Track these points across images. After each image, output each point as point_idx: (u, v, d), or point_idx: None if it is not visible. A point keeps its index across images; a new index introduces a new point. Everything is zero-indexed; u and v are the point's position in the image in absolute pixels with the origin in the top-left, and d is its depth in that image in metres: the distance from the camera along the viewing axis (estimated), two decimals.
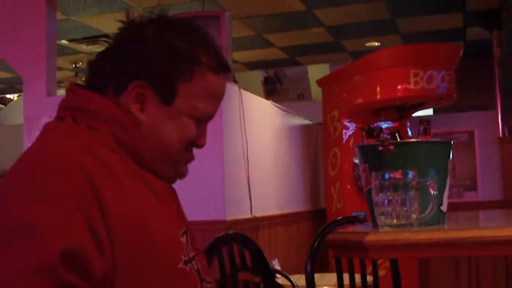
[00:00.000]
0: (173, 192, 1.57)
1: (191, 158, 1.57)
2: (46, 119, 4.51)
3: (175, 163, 1.53)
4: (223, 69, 1.53)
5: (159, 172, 1.50)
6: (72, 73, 9.51)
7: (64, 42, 8.03)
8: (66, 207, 1.25)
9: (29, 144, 4.60)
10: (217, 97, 1.55)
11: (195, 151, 1.58)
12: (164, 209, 1.44)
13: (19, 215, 1.23)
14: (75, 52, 8.59)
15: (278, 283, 3.94)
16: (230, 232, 2.53)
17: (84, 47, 8.37)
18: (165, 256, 1.38)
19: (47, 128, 1.47)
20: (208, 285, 1.49)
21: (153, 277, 1.34)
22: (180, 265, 1.39)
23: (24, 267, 1.18)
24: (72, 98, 1.49)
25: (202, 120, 1.53)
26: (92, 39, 8.01)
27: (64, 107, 1.49)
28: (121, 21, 1.53)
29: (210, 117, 1.54)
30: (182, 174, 1.57)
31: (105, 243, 1.27)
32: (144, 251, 1.33)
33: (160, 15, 1.54)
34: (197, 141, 1.54)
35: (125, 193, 1.36)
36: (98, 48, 8.38)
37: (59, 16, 6.40)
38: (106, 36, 7.85)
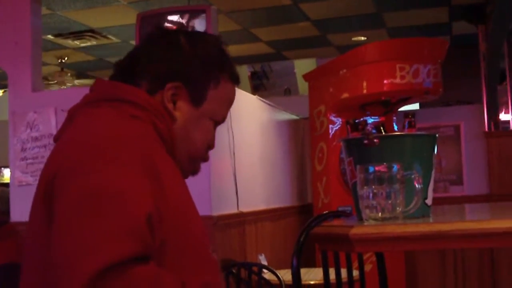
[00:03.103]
0: None
1: (207, 158, 1.73)
2: (31, 115, 4.50)
3: (196, 161, 1.69)
4: (238, 81, 1.72)
5: (180, 167, 1.61)
6: (58, 68, 9.46)
7: (49, 37, 7.98)
8: (141, 174, 1.36)
9: (15, 140, 4.50)
10: (231, 104, 1.74)
11: None
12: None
13: (103, 179, 1.32)
14: (61, 47, 8.54)
15: (265, 278, 3.95)
16: None
17: (69, 42, 8.33)
18: (202, 243, 1.51)
19: (92, 113, 1.54)
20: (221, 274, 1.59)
21: (193, 260, 1.45)
22: (210, 251, 1.52)
23: (116, 229, 1.27)
24: (109, 91, 1.58)
25: (217, 124, 1.71)
26: (77, 34, 7.97)
27: (98, 98, 1.58)
28: (154, 28, 1.68)
29: (223, 121, 1.73)
30: (196, 171, 1.73)
31: (162, 216, 1.37)
32: (185, 235, 1.44)
33: (181, 26, 1.71)
34: (212, 144, 1.72)
35: (173, 178, 1.48)
36: (84, 43, 8.34)
37: (44, 11, 6.37)
38: (92, 31, 7.81)
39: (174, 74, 1.58)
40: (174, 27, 1.72)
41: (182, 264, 1.41)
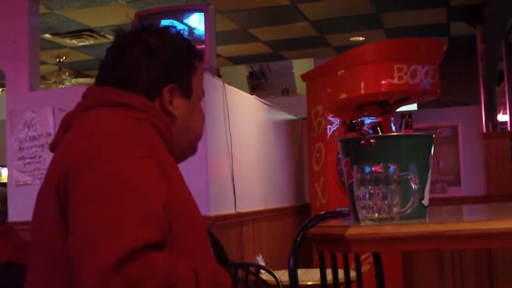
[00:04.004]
0: None
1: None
2: (29, 114, 4.49)
3: (196, 144, 1.81)
4: (203, 58, 1.82)
5: (180, 158, 1.73)
6: (56, 68, 9.44)
7: (47, 36, 7.97)
8: (154, 166, 1.44)
9: (13, 139, 4.48)
10: None
11: None
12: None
13: (121, 169, 1.39)
14: (59, 46, 8.53)
15: (262, 279, 3.94)
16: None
17: (67, 41, 8.31)
18: (205, 236, 1.60)
19: (93, 115, 1.58)
20: None
21: (199, 251, 1.54)
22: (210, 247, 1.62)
23: (138, 216, 1.33)
24: (105, 96, 1.62)
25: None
26: (75, 33, 7.96)
27: (94, 103, 1.62)
28: (118, 34, 1.79)
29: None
30: (196, 151, 1.83)
31: (171, 208, 1.44)
32: (190, 228, 1.52)
33: (141, 24, 1.78)
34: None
35: (176, 175, 1.55)
36: (81, 42, 8.32)
37: (42, 10, 6.36)
38: (89, 30, 7.80)
39: (165, 79, 1.67)
40: (136, 28, 1.76)
41: (189, 254, 1.46)
